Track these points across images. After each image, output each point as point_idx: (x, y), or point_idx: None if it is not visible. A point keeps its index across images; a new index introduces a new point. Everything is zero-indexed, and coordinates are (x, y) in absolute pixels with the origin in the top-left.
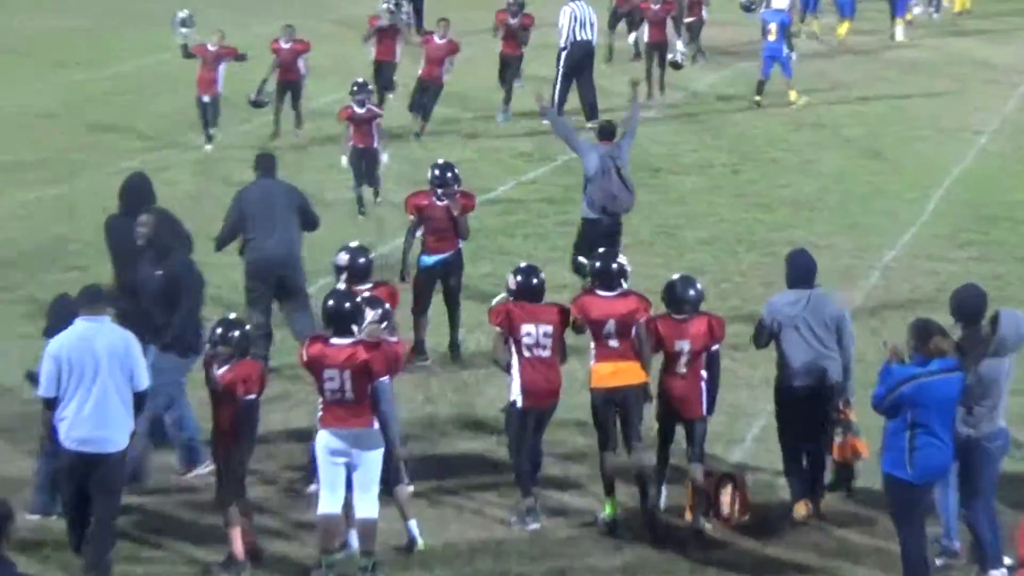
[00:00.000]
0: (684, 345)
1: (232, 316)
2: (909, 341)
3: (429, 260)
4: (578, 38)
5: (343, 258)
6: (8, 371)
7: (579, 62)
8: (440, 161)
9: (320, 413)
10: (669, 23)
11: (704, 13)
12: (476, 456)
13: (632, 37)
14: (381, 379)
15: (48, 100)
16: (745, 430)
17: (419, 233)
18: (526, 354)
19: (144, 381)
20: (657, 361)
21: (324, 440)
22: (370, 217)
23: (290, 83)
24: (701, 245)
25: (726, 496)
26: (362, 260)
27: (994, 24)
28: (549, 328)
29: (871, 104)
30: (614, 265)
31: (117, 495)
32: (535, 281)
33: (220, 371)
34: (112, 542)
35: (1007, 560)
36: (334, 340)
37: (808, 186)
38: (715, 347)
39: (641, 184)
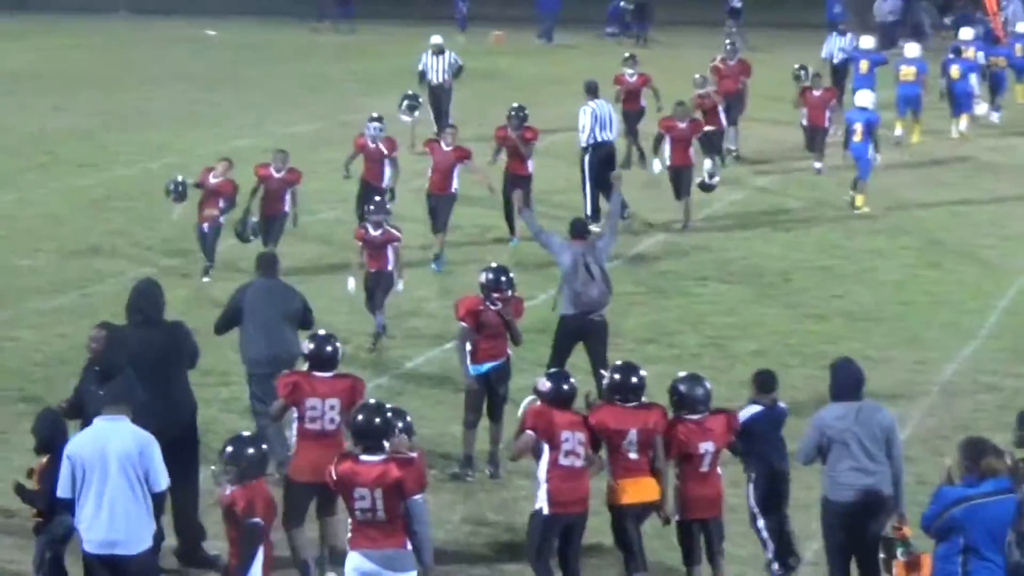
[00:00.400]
0: (708, 446)
1: (246, 434)
2: (961, 461)
3: (481, 368)
4: (599, 139)
5: (308, 346)
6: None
7: (601, 163)
8: (493, 264)
9: (349, 534)
10: (695, 143)
11: (723, 119)
12: None
13: (656, 165)
14: (414, 497)
15: (52, 202)
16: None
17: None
18: (563, 461)
19: (161, 482)
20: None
21: (355, 562)
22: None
23: (274, 217)
24: (751, 357)
25: None
26: (328, 349)
27: None
28: (582, 436)
29: (930, 210)
30: (634, 379)
31: None
32: (566, 387)
33: (225, 491)
34: None
35: None
36: (364, 457)
37: (864, 296)
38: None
39: (687, 293)
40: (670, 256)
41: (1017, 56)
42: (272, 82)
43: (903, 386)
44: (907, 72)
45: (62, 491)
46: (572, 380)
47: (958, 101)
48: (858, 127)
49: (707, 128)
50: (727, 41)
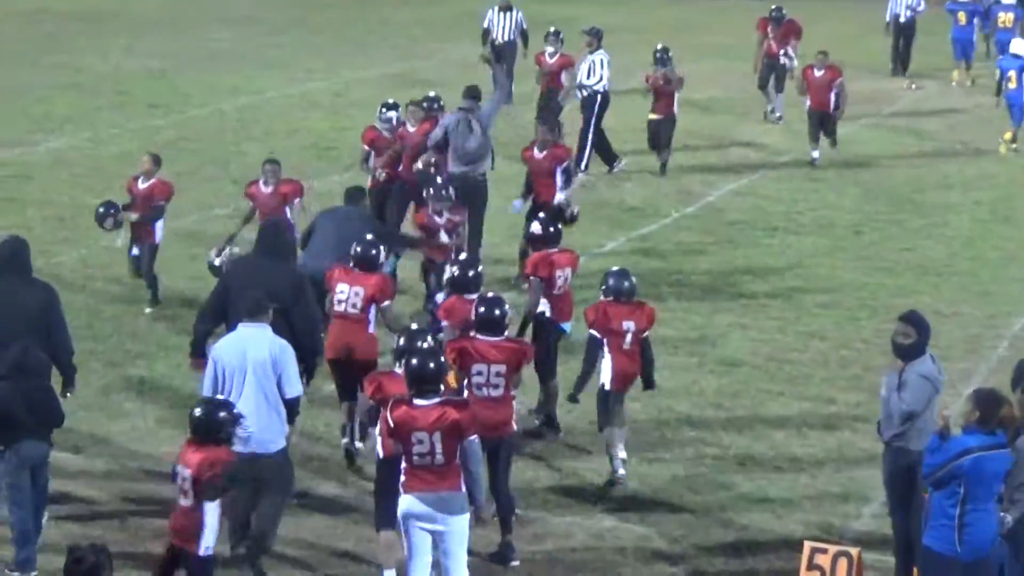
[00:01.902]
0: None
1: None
2: (972, 412)
3: (566, 326)
4: (609, 88)
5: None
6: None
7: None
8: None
9: (404, 478)
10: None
11: (675, 108)
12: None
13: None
14: (470, 439)
15: (124, 143)
16: (863, 505)
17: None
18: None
19: (293, 389)
20: None
21: (409, 504)
22: None
23: None
24: (820, 309)
25: (841, 572)
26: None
27: None
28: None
29: (1004, 164)
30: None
31: (279, 495)
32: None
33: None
34: (270, 544)
35: None
36: (418, 401)
37: (935, 250)
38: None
39: (757, 244)
40: (740, 208)
41: None
42: (341, 26)
43: (972, 340)
44: (1005, 19)
45: (206, 390)
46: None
47: None
48: (1012, 74)
49: (652, 116)
50: (773, 7)
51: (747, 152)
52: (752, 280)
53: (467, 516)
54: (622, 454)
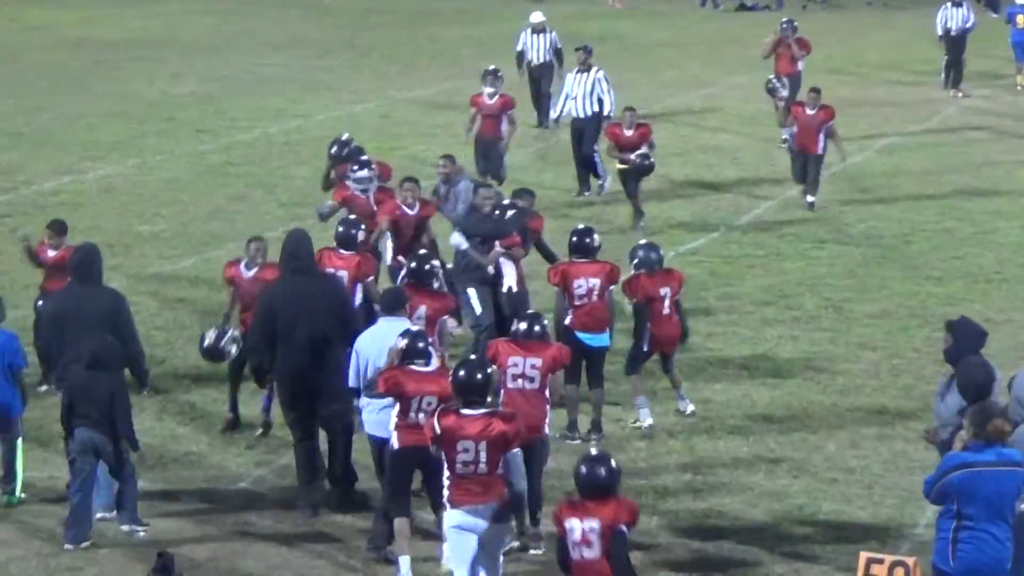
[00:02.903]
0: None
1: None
2: (969, 427)
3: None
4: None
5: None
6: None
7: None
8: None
9: (448, 491)
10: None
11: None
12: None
13: None
14: (514, 452)
15: (172, 169)
16: (919, 515)
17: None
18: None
19: None
20: None
21: (457, 519)
22: None
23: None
24: (870, 319)
25: None
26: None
27: None
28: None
29: None
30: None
31: None
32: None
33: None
34: None
35: None
36: (465, 411)
37: (984, 257)
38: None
39: (806, 256)
40: (789, 220)
41: None
42: (389, 46)
43: (1022, 350)
44: None
45: (350, 381)
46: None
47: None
48: (1020, 18)
49: (621, 164)
50: (783, 20)
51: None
52: (802, 292)
53: (508, 525)
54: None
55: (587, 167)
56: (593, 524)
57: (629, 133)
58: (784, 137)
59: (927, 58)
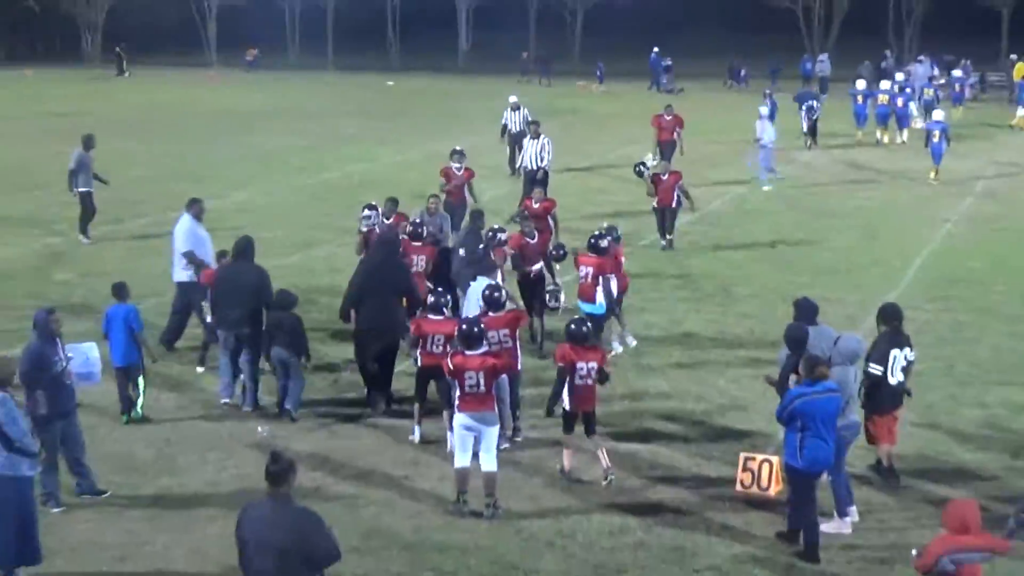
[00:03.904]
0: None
1: None
2: (804, 371)
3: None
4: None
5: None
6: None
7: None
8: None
9: (458, 402)
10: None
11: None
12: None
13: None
14: (502, 377)
15: (284, 195)
16: (779, 430)
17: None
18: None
19: None
20: None
21: (461, 420)
22: None
23: None
24: (750, 298)
25: (765, 472)
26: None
27: (955, 146)
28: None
29: (870, 200)
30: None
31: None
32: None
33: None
34: None
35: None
36: (468, 352)
37: (825, 258)
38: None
39: (705, 254)
40: (691, 232)
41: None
42: (429, 114)
43: (850, 318)
44: (883, 99)
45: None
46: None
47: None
48: (936, 132)
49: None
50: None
51: (699, 192)
52: (703, 280)
53: (497, 427)
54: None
55: None
56: (592, 364)
57: (536, 207)
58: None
59: (792, 128)
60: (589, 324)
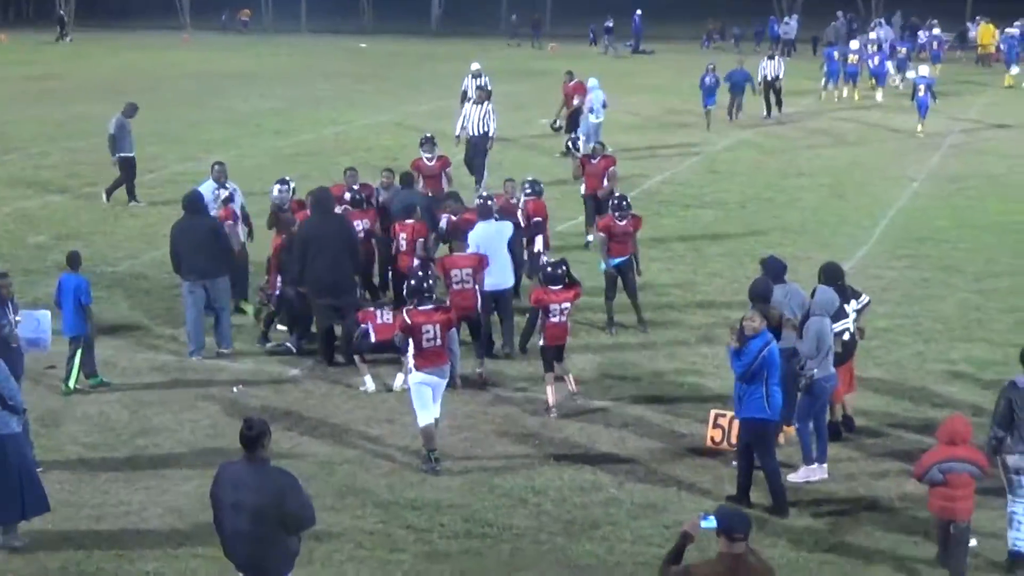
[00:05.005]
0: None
1: None
2: (762, 322)
3: (613, 262)
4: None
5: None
6: None
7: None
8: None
9: (414, 360)
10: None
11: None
12: None
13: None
14: (452, 329)
15: (258, 158)
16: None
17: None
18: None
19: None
20: None
21: (421, 377)
22: None
23: None
24: (719, 257)
25: (736, 429)
26: None
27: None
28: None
29: (837, 160)
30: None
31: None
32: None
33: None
34: None
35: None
36: (421, 307)
37: (793, 217)
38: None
39: (675, 215)
40: (665, 191)
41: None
42: (403, 77)
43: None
44: (853, 58)
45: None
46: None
47: (877, 76)
48: (922, 87)
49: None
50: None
51: (669, 153)
52: (674, 240)
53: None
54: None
55: (472, 170)
56: (565, 305)
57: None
58: (572, 137)
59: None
60: (564, 267)
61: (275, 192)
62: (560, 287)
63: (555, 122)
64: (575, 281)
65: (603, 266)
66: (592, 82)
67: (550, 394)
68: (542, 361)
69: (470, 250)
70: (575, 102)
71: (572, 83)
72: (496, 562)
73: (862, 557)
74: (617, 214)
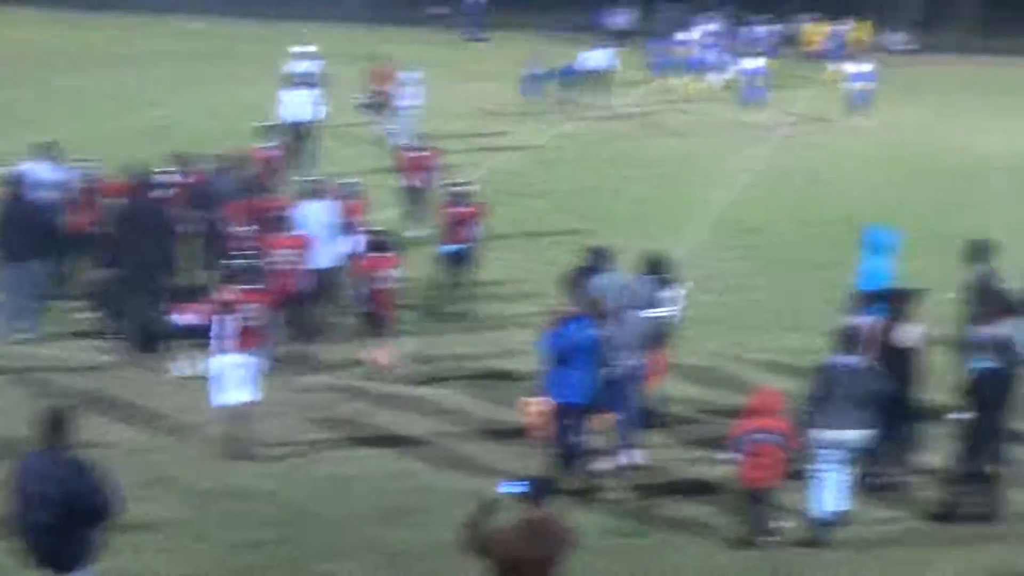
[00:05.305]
0: None
1: None
2: (585, 307)
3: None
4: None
5: None
6: None
7: None
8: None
9: (230, 341)
10: None
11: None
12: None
13: None
14: (272, 309)
15: (92, 137)
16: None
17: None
18: None
19: None
20: None
21: (236, 359)
22: None
23: None
24: (549, 246)
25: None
26: None
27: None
28: None
29: (668, 151)
30: None
31: None
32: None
33: None
34: None
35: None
36: (242, 287)
37: (623, 208)
38: None
39: (506, 204)
40: (497, 180)
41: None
42: (234, 61)
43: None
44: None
45: None
46: None
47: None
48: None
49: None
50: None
51: (501, 143)
52: (504, 229)
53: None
54: None
55: (299, 155)
56: (391, 272)
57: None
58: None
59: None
60: (384, 236)
61: (78, 173)
62: (383, 255)
63: (365, 101)
64: (397, 250)
65: (441, 251)
66: (410, 72)
67: (382, 358)
68: (366, 328)
69: (294, 232)
70: (387, 87)
71: (383, 67)
72: (310, 550)
73: (675, 534)
74: (454, 201)
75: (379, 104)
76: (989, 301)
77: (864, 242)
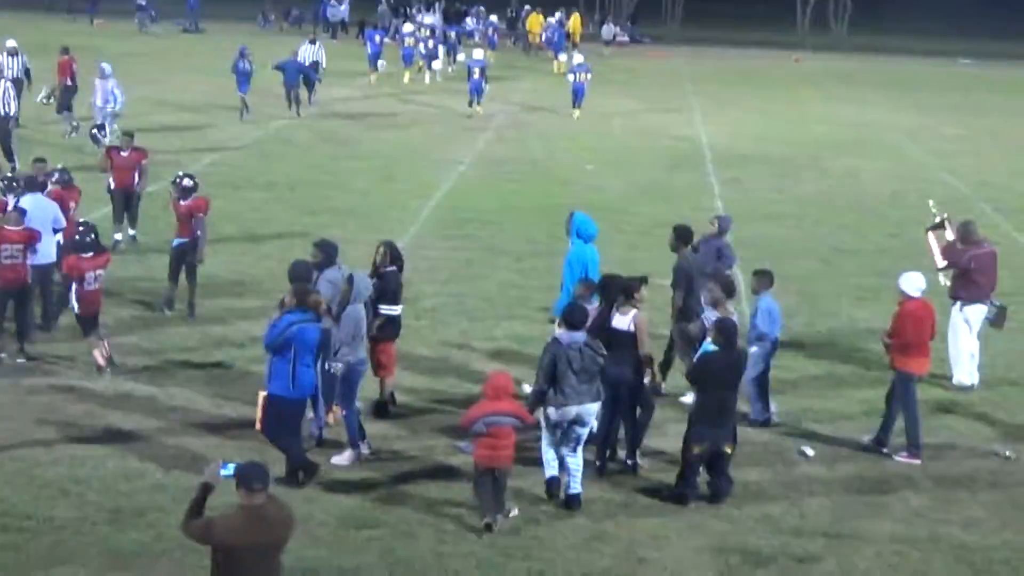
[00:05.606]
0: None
1: None
2: (297, 298)
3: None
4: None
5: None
6: None
7: None
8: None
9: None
10: None
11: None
12: None
13: None
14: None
15: None
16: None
17: None
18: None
19: None
20: None
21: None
22: None
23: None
24: (269, 239)
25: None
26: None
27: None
28: None
29: (388, 142)
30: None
31: None
32: None
33: None
34: None
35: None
36: (84, 255)
37: (344, 200)
38: None
39: (225, 197)
40: (215, 174)
41: None
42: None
43: (362, 258)
44: (409, 41)
45: None
46: None
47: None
48: (476, 70)
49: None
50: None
51: (220, 136)
52: (223, 222)
53: None
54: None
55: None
56: (100, 272)
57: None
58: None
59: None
60: (94, 234)
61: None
62: (91, 254)
63: (47, 97)
64: (104, 248)
65: (173, 245)
66: (105, 68)
67: (98, 357)
68: (80, 329)
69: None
70: (66, 80)
71: (64, 58)
72: (36, 556)
73: (411, 523)
74: (182, 195)
75: (61, 98)
76: (702, 285)
77: (571, 229)
